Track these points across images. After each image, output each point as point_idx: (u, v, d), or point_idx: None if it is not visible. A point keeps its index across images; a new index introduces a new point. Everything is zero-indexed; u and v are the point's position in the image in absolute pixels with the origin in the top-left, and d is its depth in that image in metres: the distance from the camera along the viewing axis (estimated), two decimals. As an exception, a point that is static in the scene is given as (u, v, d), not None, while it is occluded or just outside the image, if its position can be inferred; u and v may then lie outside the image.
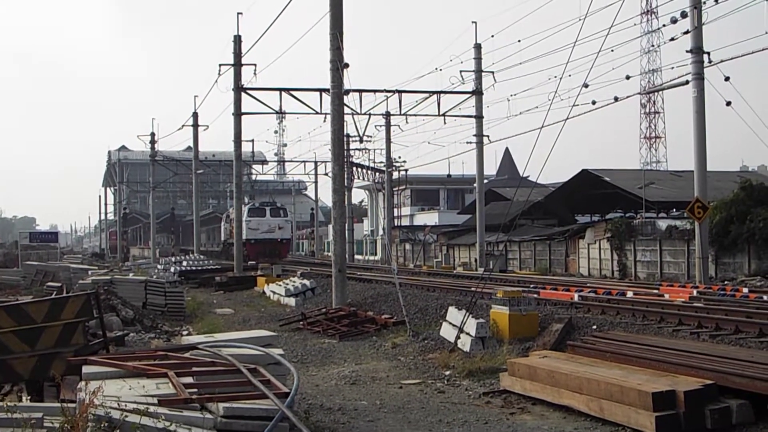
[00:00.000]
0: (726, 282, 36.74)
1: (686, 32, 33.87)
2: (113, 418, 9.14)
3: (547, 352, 17.66)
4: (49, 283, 36.29)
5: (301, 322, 28.35)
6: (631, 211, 64.96)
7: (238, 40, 51.56)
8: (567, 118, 20.05)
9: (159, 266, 63.30)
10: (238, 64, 50.74)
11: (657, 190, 59.14)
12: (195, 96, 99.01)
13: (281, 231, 75.18)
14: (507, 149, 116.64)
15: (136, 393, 10.30)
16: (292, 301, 36.40)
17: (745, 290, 29.56)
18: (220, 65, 51.55)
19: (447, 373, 18.39)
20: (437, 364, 19.31)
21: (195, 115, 74.11)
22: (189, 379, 11.11)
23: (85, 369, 11.74)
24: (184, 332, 27.33)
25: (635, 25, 44.50)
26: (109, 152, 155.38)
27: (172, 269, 58.13)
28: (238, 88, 49.94)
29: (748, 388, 12.82)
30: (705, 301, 24.61)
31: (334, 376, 18.91)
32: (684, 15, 33.76)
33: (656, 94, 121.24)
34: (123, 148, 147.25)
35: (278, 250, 73.69)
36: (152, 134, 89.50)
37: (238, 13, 52.45)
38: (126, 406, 9.45)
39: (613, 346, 16.53)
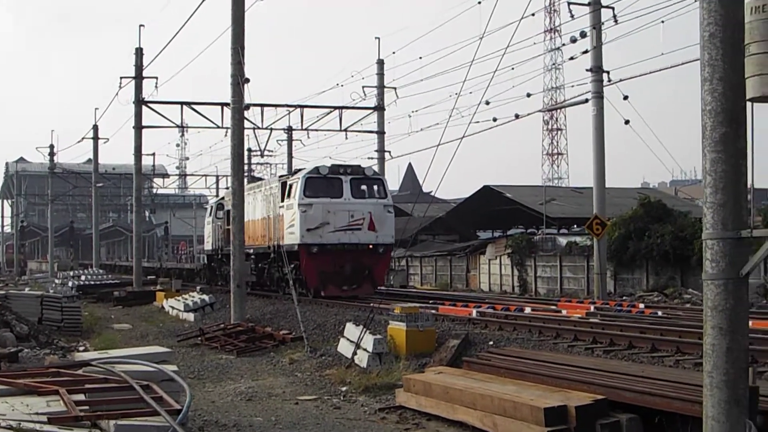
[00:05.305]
0: (624, 297, 37.38)
1: (585, 51, 34.41)
2: (-1, 438, 9.02)
3: (442, 368, 17.73)
4: (-59, 298, 35.52)
5: (199, 338, 28.15)
6: (532, 227, 65.65)
7: (139, 52, 51.00)
8: (464, 136, 20.19)
9: (57, 280, 62.22)
10: (139, 77, 50.21)
11: (558, 206, 59.90)
12: (96, 108, 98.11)
13: (374, 233, 33.41)
14: (410, 165, 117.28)
15: (25, 411, 10.16)
16: (191, 317, 36.06)
17: (642, 306, 30.04)
18: (121, 78, 50.77)
19: (343, 389, 18.40)
20: (334, 380, 19.30)
21: (95, 127, 73.26)
22: (81, 397, 11.00)
23: (-26, 387, 11.56)
24: (81, 348, 26.97)
25: (535, 44, 44.97)
26: (7, 164, 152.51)
27: (70, 283, 57.26)
28: (139, 102, 49.43)
29: (638, 403, 13.01)
30: (601, 316, 24.87)
31: (231, 392, 18.79)
32: (584, 35, 34.28)
33: (559, 111, 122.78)
34: (21, 159, 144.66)
35: (367, 269, 33.90)
36: (51, 146, 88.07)
37: (140, 26, 52.28)
38: (14, 425, 9.33)
39: (508, 362, 16.67)
